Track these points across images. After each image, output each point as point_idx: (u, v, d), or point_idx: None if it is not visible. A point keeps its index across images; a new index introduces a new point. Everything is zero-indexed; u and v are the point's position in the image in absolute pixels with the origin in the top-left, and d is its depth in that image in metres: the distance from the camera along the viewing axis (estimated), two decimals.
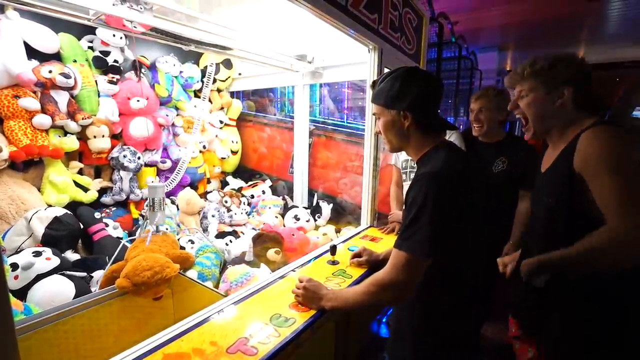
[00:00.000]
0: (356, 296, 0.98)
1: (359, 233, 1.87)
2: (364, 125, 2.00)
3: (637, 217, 0.86)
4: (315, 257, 1.50)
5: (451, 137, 1.85)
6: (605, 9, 5.10)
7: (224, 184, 3.01)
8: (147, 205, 1.52)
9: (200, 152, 2.74)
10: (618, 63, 7.86)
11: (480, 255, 1.01)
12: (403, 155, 2.01)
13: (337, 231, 2.28)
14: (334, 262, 1.43)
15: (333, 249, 1.43)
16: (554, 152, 1.11)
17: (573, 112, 1.05)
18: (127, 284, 1.20)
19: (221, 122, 2.92)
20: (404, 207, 0.95)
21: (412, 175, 1.95)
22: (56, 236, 1.64)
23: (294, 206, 2.52)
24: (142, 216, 2.23)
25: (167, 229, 1.95)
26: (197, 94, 2.77)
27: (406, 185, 2.00)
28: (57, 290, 1.35)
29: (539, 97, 1.07)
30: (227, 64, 2.81)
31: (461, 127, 6.65)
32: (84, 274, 1.50)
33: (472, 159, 1.03)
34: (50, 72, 1.79)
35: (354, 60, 2.22)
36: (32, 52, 1.80)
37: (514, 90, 1.16)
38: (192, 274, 1.55)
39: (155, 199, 1.51)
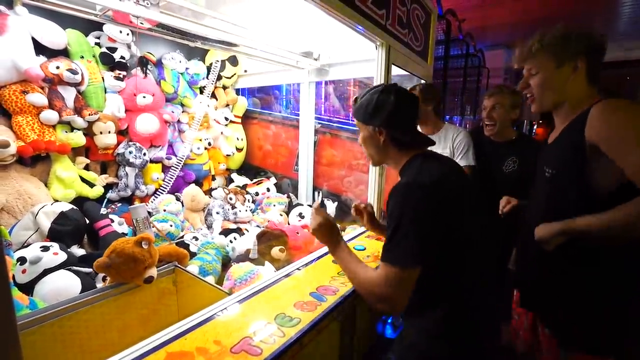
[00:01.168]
0: (348, 269, 0.98)
1: (364, 232, 1.86)
2: None
3: None
4: (320, 256, 1.49)
5: (458, 136, 1.82)
6: (617, 5, 5.00)
7: (229, 181, 3.01)
8: (133, 227, 1.54)
9: (206, 149, 2.74)
10: (630, 61, 7.72)
11: (485, 261, 0.99)
12: None
13: (342, 230, 2.26)
14: None
15: None
16: (562, 126, 1.07)
17: (587, 86, 1.01)
18: (102, 259, 1.21)
19: (226, 119, 2.92)
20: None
21: None
22: (62, 231, 1.65)
23: (298, 204, 2.51)
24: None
25: (171, 225, 1.96)
26: (203, 90, 2.76)
27: None
28: (64, 286, 1.36)
29: (549, 72, 1.03)
30: (233, 60, 2.80)
31: (467, 126, 6.58)
32: (90, 269, 1.50)
33: (453, 167, 1.01)
34: (57, 68, 1.80)
35: (361, 57, 2.20)
36: (40, 48, 1.81)
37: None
38: (193, 268, 1.56)
39: (139, 220, 1.53)
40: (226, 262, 1.88)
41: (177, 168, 2.50)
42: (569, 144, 1.00)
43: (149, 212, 2.24)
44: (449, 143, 1.83)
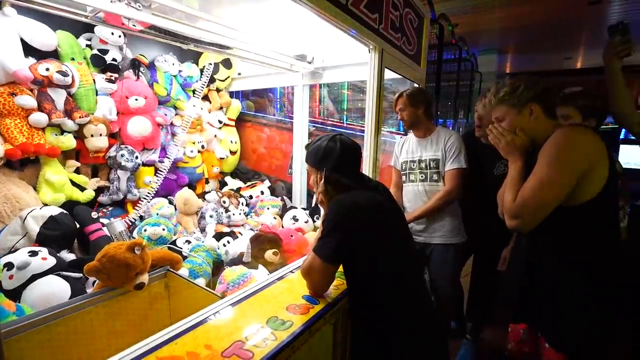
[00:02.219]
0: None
1: None
2: (362, 126, 1.98)
3: (527, 209, 1.05)
4: None
5: (450, 139, 1.84)
6: (605, 12, 5.11)
7: (223, 184, 2.99)
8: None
9: (199, 152, 2.73)
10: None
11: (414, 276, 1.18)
12: (402, 157, 2.00)
13: None
14: None
15: None
16: None
17: (548, 121, 1.14)
18: (93, 262, 1.20)
19: (220, 122, 2.91)
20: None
21: (412, 177, 1.94)
22: (51, 236, 1.62)
23: (292, 207, 2.51)
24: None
25: (164, 229, 1.94)
26: (196, 93, 2.75)
27: (405, 187, 1.99)
28: (53, 291, 1.33)
29: (513, 119, 1.17)
30: (227, 63, 2.80)
31: (460, 129, 6.65)
32: (80, 274, 1.47)
33: (378, 194, 1.18)
34: (47, 69, 1.78)
35: (354, 60, 2.21)
36: (29, 50, 1.78)
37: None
38: (183, 271, 1.56)
39: (116, 234, 1.53)
40: (217, 265, 1.86)
41: (164, 169, 2.46)
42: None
43: (140, 217, 2.21)
44: (441, 146, 1.84)
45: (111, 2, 1.38)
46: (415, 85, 2.25)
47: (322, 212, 1.19)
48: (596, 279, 1.07)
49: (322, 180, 1.14)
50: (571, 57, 7.88)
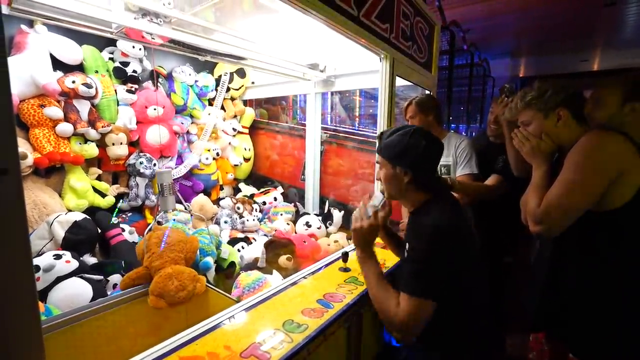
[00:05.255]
0: (370, 288, 1.03)
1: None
2: (375, 133, 2.01)
3: (553, 214, 1.01)
4: (327, 264, 1.50)
5: (461, 144, 1.83)
6: (621, 14, 5.02)
7: (237, 190, 3.05)
8: (158, 192, 1.57)
9: (214, 159, 2.80)
10: (633, 69, 7.69)
11: (482, 300, 1.08)
12: None
13: (349, 238, 2.27)
14: (345, 269, 1.43)
15: (345, 256, 1.43)
16: None
17: (578, 127, 1.10)
18: (163, 305, 1.29)
19: (234, 129, 2.97)
20: (406, 253, 1.01)
21: None
22: (75, 240, 1.69)
23: (305, 213, 2.53)
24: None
25: None
26: (211, 102, 2.83)
27: None
28: (76, 292, 1.39)
29: (540, 123, 1.14)
30: (241, 73, 2.87)
31: (473, 134, 6.58)
32: (101, 277, 1.54)
33: (461, 211, 1.10)
34: (73, 82, 1.87)
35: (366, 68, 2.24)
36: (57, 63, 1.88)
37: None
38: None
39: (165, 184, 1.55)
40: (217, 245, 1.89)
41: (185, 167, 2.54)
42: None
43: (158, 222, 2.28)
44: (452, 151, 1.84)
45: (135, 19, 1.46)
46: (426, 92, 2.26)
47: (378, 198, 1.10)
48: (628, 288, 1.01)
49: (405, 177, 1.03)
50: (587, 60, 7.74)
